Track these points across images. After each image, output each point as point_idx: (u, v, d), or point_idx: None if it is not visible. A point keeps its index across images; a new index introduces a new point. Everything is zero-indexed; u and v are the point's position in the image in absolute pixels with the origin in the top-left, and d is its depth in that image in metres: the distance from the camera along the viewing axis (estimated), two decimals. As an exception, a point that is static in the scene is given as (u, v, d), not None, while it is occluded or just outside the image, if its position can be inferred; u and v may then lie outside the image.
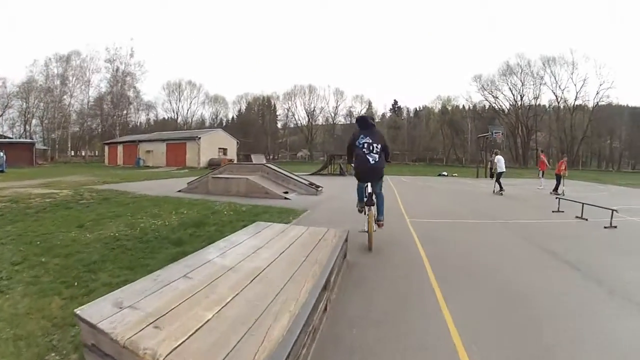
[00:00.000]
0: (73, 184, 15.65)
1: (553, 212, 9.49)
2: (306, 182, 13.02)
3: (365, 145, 5.24)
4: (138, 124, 69.51)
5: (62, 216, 7.78)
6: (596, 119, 57.73)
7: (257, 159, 29.59)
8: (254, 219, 7.27)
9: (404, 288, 3.85)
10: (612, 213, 7.69)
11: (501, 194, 14.20)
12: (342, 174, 25.83)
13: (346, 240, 4.47)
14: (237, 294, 2.53)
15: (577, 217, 8.65)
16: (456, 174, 30.50)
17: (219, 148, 40.67)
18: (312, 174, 26.01)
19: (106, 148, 50.26)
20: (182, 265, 3.21)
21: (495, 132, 26.09)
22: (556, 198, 10.32)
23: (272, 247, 3.80)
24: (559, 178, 14.96)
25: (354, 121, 52.49)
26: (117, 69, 61.89)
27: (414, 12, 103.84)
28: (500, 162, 15.10)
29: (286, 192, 11.86)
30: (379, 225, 5.53)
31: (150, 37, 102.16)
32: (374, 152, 5.23)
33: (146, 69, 68.89)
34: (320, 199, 11.44)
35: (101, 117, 61.71)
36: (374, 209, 5.35)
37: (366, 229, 5.38)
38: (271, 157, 71.13)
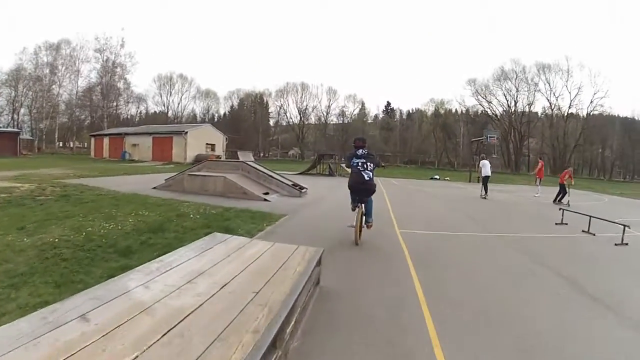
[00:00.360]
0: (45, 177, 14.43)
1: (556, 224, 8.66)
2: (290, 183, 12.08)
3: (360, 164, 5.88)
4: (128, 116, 68.00)
5: (8, 215, 6.80)
6: (589, 127, 57.49)
7: (244, 156, 28.56)
8: (223, 225, 6.36)
9: (393, 332, 2.93)
10: (624, 229, 6.89)
11: (485, 198, 14.55)
12: (331, 174, 24.93)
13: (319, 262, 3.56)
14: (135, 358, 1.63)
15: (583, 231, 7.85)
16: (448, 178, 29.76)
17: (207, 143, 39.56)
18: (300, 174, 25.06)
19: (92, 140, 48.61)
20: (87, 297, 2.29)
21: (490, 137, 25.38)
22: (560, 209, 9.51)
23: (216, 273, 2.84)
24: (562, 187, 14.32)
25: (346, 121, 52.99)
26: (107, 59, 60.33)
27: (409, 13, 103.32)
28: (485, 166, 15.49)
29: (267, 193, 10.91)
30: (367, 227, 6.11)
31: (142, 28, 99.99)
32: (368, 169, 5.88)
33: (137, 61, 67.39)
34: (304, 201, 10.51)
35: (90, 108, 59.87)
36: (364, 207, 6.01)
37: (354, 224, 5.84)
38: (261, 154, 69.81)
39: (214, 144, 40.57)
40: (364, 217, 6.02)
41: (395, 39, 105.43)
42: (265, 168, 13.11)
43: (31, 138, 50.91)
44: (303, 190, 11.80)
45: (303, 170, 25.95)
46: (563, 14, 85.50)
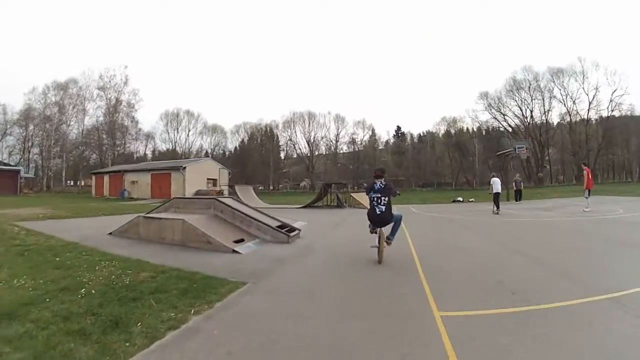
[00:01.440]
0: (10, 216, 13.16)
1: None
2: (275, 225, 9.06)
3: (375, 198, 6.31)
4: (137, 155, 68.05)
5: None
6: (611, 128, 54.18)
7: (243, 190, 25.73)
8: (114, 313, 3.45)
9: None
10: None
11: (497, 213, 14.96)
12: (339, 206, 21.83)
13: None
14: None
15: None
16: (472, 199, 26.37)
17: (208, 179, 37.23)
18: (304, 207, 22.09)
19: (93, 178, 47.44)
20: None
21: (519, 148, 22.14)
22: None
23: None
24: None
25: (357, 149, 50.55)
26: (110, 98, 59.85)
27: (411, 32, 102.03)
28: (496, 183, 16.23)
29: (240, 241, 7.92)
30: (388, 244, 6.39)
31: (147, 66, 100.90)
32: (382, 204, 6.29)
33: (141, 98, 66.45)
34: (289, 251, 7.42)
35: (98, 147, 59.17)
36: (384, 229, 6.41)
37: (377, 244, 6.33)
38: (271, 187, 67.81)
39: (215, 179, 38.17)
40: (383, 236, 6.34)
41: (401, 61, 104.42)
42: (247, 207, 10.20)
43: (32, 176, 50.82)
44: (293, 234, 8.78)
45: (308, 202, 22.96)
46: (570, 15, 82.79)
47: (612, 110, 54.57)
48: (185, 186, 35.19)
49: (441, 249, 7.34)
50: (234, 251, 7.26)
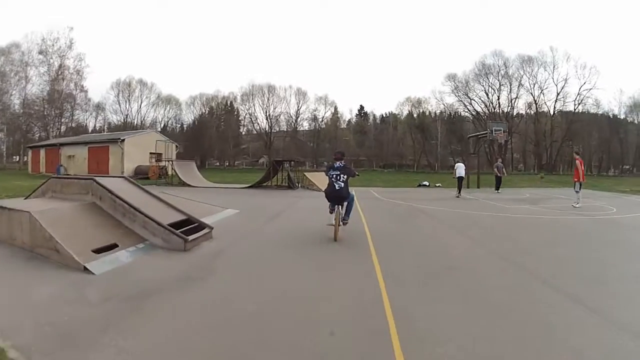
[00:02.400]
0: None
1: None
2: (167, 223, 6.04)
3: (334, 176, 6.47)
4: (90, 128, 61.62)
5: None
6: (575, 121, 54.28)
7: (182, 166, 22.48)
8: None
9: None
10: None
11: (458, 197, 15.72)
12: (291, 186, 19.06)
13: None
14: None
15: None
16: (439, 184, 24.30)
17: (151, 153, 33.24)
18: (250, 187, 19.21)
19: (29, 153, 42.26)
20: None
21: (497, 130, 19.97)
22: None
23: None
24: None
25: (318, 126, 47.73)
26: (53, 63, 53.50)
27: (381, 10, 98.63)
28: (459, 168, 16.69)
29: (110, 248, 5.03)
30: (343, 224, 6.63)
31: (95, 31, 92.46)
32: (340, 180, 6.45)
33: (87, 64, 59.98)
34: (175, 271, 4.35)
35: (41, 118, 52.99)
36: (341, 208, 6.60)
37: (333, 223, 6.48)
38: (227, 164, 64.08)
39: (160, 153, 34.27)
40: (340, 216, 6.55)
41: (368, 38, 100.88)
42: (144, 192, 7.13)
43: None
44: (197, 235, 5.84)
45: (256, 181, 20.03)
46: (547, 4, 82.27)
47: (579, 104, 54.36)
48: (124, 161, 31.21)
49: (415, 261, 4.93)
50: (86, 269, 4.38)
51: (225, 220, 8.05)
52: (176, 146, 37.73)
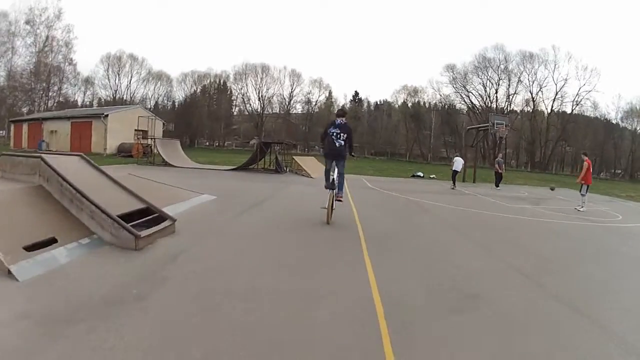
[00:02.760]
0: None
1: None
2: (117, 214, 4.90)
3: (334, 134, 6.40)
4: (80, 103, 58.95)
5: None
6: (572, 121, 53.99)
7: (166, 145, 21.36)
8: None
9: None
10: None
11: (453, 189, 15.81)
12: (278, 170, 18.05)
13: None
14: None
15: None
16: (434, 176, 23.46)
17: (136, 130, 31.76)
18: (235, 169, 18.19)
19: (12, 127, 40.27)
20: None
21: (498, 124, 19.00)
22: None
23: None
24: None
25: (312, 110, 46.69)
26: (40, 34, 51.01)
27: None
28: (457, 162, 16.87)
29: (46, 244, 4.00)
30: (338, 200, 6.62)
31: (85, 1, 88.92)
32: (340, 139, 6.39)
33: (75, 36, 57.27)
34: (119, 279, 3.41)
35: (26, 92, 50.70)
36: (335, 180, 6.54)
37: (326, 206, 6.43)
38: (217, 144, 62.70)
39: (145, 130, 32.79)
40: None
41: (367, 24, 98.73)
42: (100, 173, 6.08)
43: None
44: (154, 230, 4.81)
45: (242, 164, 18.99)
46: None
47: (577, 105, 53.64)
48: (107, 137, 29.82)
49: (450, 310, 3.62)
50: (10, 273, 3.40)
51: (197, 209, 7.03)
52: (163, 123, 36.34)
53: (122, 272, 3.59)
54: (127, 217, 4.96)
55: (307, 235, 5.63)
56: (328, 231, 5.88)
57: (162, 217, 5.20)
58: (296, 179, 15.62)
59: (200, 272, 3.70)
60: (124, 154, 27.74)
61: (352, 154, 6.88)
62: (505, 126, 19.19)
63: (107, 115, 30.35)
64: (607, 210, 12.45)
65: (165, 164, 19.36)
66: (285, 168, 18.71)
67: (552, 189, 15.32)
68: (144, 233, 4.45)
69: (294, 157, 19.61)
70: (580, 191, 11.84)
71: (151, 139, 21.96)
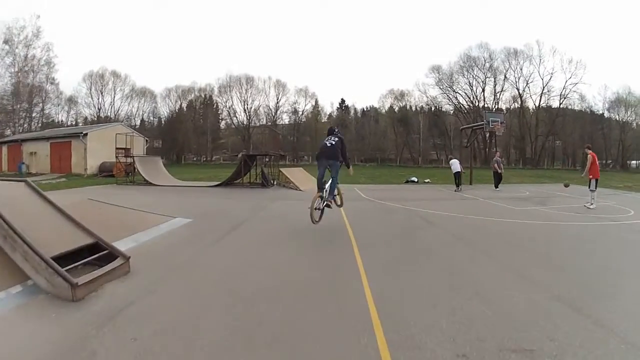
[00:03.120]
0: None
1: None
2: (53, 255, 3.90)
3: (329, 138, 6.76)
4: (67, 122, 57.56)
5: None
6: (560, 115, 53.85)
7: (146, 163, 20.36)
8: None
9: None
10: None
11: (458, 191, 15.90)
12: (264, 184, 17.09)
13: None
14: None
15: None
16: (428, 180, 22.65)
17: (118, 148, 30.64)
18: (218, 185, 17.22)
19: None
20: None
21: (494, 121, 18.25)
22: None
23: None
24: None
25: (299, 119, 45.92)
26: (19, 53, 49.56)
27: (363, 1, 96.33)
28: (454, 164, 16.56)
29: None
30: (328, 205, 6.69)
31: (66, 20, 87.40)
32: (331, 140, 6.70)
33: (55, 54, 55.72)
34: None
35: (6, 113, 48.86)
36: (325, 192, 6.55)
37: (315, 206, 6.34)
38: (205, 159, 61.57)
39: (128, 148, 31.63)
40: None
41: (350, 30, 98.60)
42: (47, 202, 5.11)
43: None
44: (104, 271, 3.82)
45: (226, 179, 17.95)
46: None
47: (564, 98, 53.70)
48: (87, 157, 28.56)
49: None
50: None
51: (165, 238, 6.02)
52: (146, 140, 35.11)
53: (44, 340, 2.62)
54: (72, 256, 3.99)
55: (289, 278, 4.23)
56: (320, 270, 4.56)
57: (113, 255, 4.22)
58: (283, 193, 14.63)
59: (145, 340, 2.65)
60: (106, 173, 26.71)
61: (347, 161, 7.01)
62: (501, 123, 18.42)
63: (86, 134, 29.12)
64: (614, 205, 11.66)
65: (147, 182, 18.32)
66: (272, 181, 17.72)
67: (567, 186, 14.26)
68: (84, 279, 3.46)
69: (280, 169, 18.50)
70: (589, 187, 11.08)
71: (130, 157, 20.89)
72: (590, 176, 10.99)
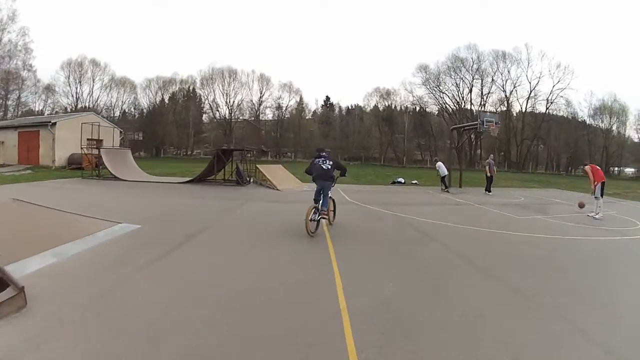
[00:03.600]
0: None
1: None
2: None
3: (320, 161, 6.95)
4: (46, 112, 54.45)
5: None
6: (547, 120, 54.14)
7: (113, 156, 18.93)
8: None
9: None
10: None
11: (447, 192, 16.18)
12: (240, 182, 15.87)
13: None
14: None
15: None
16: (416, 181, 21.64)
17: (89, 139, 28.83)
18: (189, 182, 15.93)
19: None
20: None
21: (488, 121, 17.27)
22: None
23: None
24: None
25: (282, 115, 44.53)
26: None
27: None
28: (441, 167, 16.72)
29: None
30: (324, 218, 6.80)
31: (43, 3, 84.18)
32: (327, 164, 6.92)
33: (32, 39, 52.91)
34: None
35: None
36: (320, 204, 6.69)
37: (309, 217, 6.25)
38: (185, 152, 59.76)
39: (100, 140, 29.75)
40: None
41: (336, 24, 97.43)
42: None
43: None
44: None
45: (196, 175, 16.89)
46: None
47: (551, 103, 53.79)
48: (55, 148, 26.77)
49: None
50: None
51: (96, 252, 4.68)
52: (121, 132, 33.34)
53: None
54: None
55: (244, 332, 2.81)
56: (290, 310, 3.26)
57: (4, 283, 3.00)
58: (259, 192, 13.34)
59: None
60: (75, 165, 24.99)
61: (345, 174, 7.44)
62: (496, 124, 17.47)
63: (54, 124, 27.31)
64: (618, 215, 10.89)
65: (114, 177, 16.90)
66: (248, 179, 16.45)
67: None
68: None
69: (257, 165, 17.06)
70: (593, 194, 10.22)
71: (97, 148, 19.41)
72: (596, 182, 10.16)
